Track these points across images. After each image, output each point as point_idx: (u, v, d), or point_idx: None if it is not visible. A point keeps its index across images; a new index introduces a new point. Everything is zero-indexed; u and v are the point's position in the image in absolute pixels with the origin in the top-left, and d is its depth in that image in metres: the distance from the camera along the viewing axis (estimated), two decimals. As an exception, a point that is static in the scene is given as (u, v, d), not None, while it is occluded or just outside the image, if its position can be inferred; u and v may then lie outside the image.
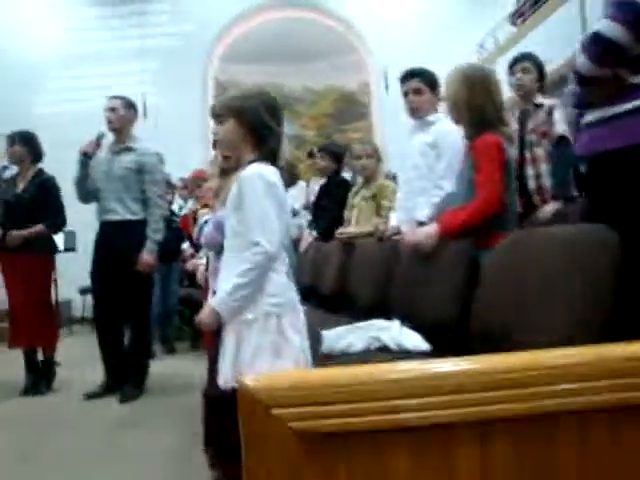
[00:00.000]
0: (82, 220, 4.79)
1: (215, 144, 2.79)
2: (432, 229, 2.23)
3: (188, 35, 7.52)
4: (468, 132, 2.21)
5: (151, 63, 7.50)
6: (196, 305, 5.36)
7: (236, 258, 1.92)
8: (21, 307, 3.89)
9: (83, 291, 6.50)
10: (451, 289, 2.03)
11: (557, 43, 5.03)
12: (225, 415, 2.39)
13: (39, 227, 3.92)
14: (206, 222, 2.42)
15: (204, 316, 1.92)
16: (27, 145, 4.03)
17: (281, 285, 1.90)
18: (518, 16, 6.64)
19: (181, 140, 6.46)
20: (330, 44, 8.44)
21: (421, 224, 2.57)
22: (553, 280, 1.56)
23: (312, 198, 4.99)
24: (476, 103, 2.13)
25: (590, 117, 1.62)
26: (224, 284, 1.91)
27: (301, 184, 5.72)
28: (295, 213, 4.24)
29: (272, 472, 0.59)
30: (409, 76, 2.92)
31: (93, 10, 7.69)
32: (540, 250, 1.69)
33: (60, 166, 4.14)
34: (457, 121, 2.25)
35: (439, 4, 7.49)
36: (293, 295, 1.95)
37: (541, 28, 5.99)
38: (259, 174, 1.86)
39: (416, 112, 2.96)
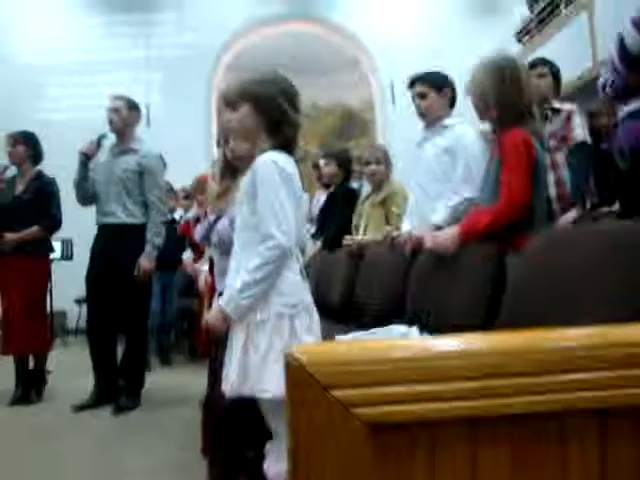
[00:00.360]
0: (80, 228, 4.68)
1: (219, 142, 2.67)
2: (454, 232, 2.10)
3: (193, 46, 7.46)
4: (495, 127, 2.07)
5: (156, 73, 7.43)
6: (194, 317, 5.25)
7: (246, 252, 1.78)
8: (15, 310, 3.74)
9: (79, 301, 6.33)
10: (476, 294, 1.89)
11: (564, 61, 4.97)
12: (227, 427, 2.25)
13: (34, 229, 3.79)
14: (216, 220, 2.28)
15: (211, 317, 1.76)
16: (28, 146, 3.93)
17: (295, 284, 1.76)
18: (525, 34, 6.61)
19: (184, 150, 6.36)
20: (335, 59, 8.41)
21: (438, 228, 2.44)
22: (592, 284, 1.42)
23: (316, 211, 4.86)
24: (507, 95, 1.98)
25: (634, 106, 1.50)
26: (233, 281, 1.77)
27: (304, 197, 5.60)
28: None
29: (328, 466, 0.45)
30: (412, 82, 2.85)
31: (99, 18, 7.63)
32: (577, 251, 1.56)
33: (60, 173, 4.03)
34: (483, 115, 2.10)
35: (445, 19, 7.46)
36: (307, 296, 1.81)
37: (548, 46, 5.94)
38: (275, 162, 1.72)
39: (425, 116, 2.87)
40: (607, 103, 2.86)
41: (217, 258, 2.37)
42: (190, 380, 4.11)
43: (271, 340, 1.70)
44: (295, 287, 1.76)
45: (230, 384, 1.72)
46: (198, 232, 2.53)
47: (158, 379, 4.33)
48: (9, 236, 3.75)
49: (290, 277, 1.74)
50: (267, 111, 1.80)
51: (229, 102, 1.90)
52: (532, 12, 6.31)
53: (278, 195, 1.69)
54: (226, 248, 2.15)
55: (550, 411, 0.46)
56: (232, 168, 2.32)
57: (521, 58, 6.11)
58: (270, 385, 1.65)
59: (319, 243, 4.24)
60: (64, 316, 6.80)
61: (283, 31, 7.63)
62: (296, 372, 0.46)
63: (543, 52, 5.89)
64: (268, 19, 7.60)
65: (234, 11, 7.43)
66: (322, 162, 4.33)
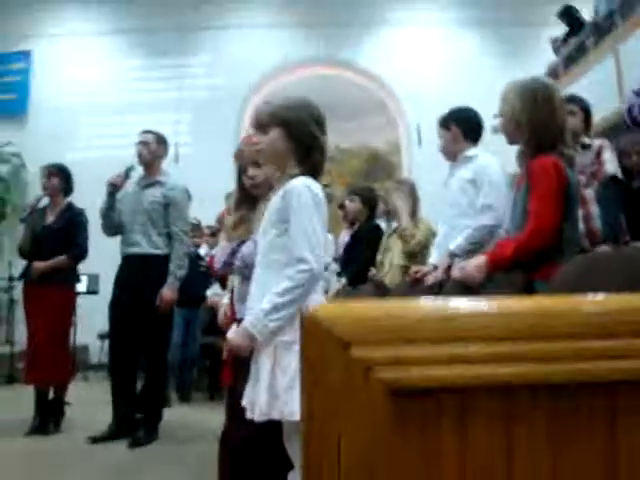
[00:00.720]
0: (106, 264, 4.70)
1: (240, 174, 2.67)
2: (481, 261, 2.05)
3: (223, 87, 7.64)
4: (525, 150, 2.03)
5: (186, 113, 7.60)
6: (217, 355, 5.18)
7: (271, 274, 1.76)
8: (40, 339, 3.74)
9: (102, 336, 6.33)
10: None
11: (591, 102, 4.96)
12: (244, 458, 2.18)
13: (61, 258, 3.83)
14: (239, 245, 2.27)
15: (236, 338, 1.72)
16: (62, 178, 4.03)
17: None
18: (552, 75, 6.63)
19: (211, 189, 6.41)
20: (361, 102, 8.51)
21: (453, 255, 2.44)
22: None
23: (341, 250, 4.83)
24: (539, 116, 1.93)
25: None
26: (256, 303, 1.75)
27: (329, 237, 5.59)
28: (325, 267, 4.07)
29: (346, 434, 0.41)
30: (440, 124, 2.93)
31: (132, 62, 7.89)
32: (608, 277, 1.50)
33: (90, 210, 4.06)
34: (512, 138, 2.07)
35: (471, 61, 7.53)
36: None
37: (575, 86, 5.93)
38: (308, 187, 1.73)
39: (444, 155, 2.92)
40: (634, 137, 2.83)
41: (237, 284, 2.34)
42: (209, 416, 4.05)
43: (299, 362, 1.65)
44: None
45: (259, 408, 1.67)
46: (218, 259, 2.51)
47: (176, 414, 4.27)
48: (37, 264, 3.80)
49: (316, 298, 1.72)
50: (298, 136, 1.82)
51: (260, 125, 1.91)
52: (557, 56, 6.34)
53: (312, 220, 1.69)
54: (249, 272, 2.13)
55: (598, 381, 0.42)
56: (250, 197, 2.33)
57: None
58: (298, 407, 1.61)
59: (344, 280, 4.20)
60: (87, 350, 6.79)
61: (311, 74, 7.77)
62: (312, 328, 0.42)
63: (571, 92, 5.91)
64: (297, 62, 7.77)
65: (263, 54, 7.62)
66: (347, 200, 4.32)
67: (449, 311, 0.42)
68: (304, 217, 1.69)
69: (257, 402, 1.69)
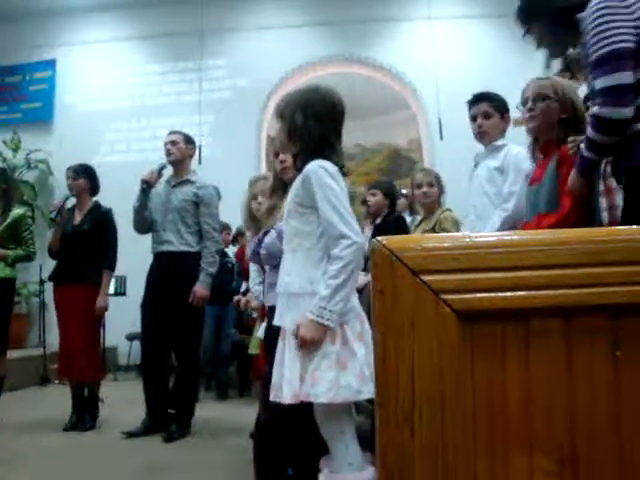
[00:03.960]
0: (133, 266, 4.79)
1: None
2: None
3: (243, 89, 7.71)
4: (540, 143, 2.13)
5: (208, 115, 7.69)
6: (245, 352, 5.21)
7: (296, 258, 1.80)
8: (72, 336, 3.82)
9: (130, 338, 6.42)
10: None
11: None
12: (277, 446, 2.20)
13: (105, 274, 3.91)
14: (265, 233, 2.31)
15: (307, 332, 1.67)
16: (88, 178, 4.08)
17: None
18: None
19: (234, 189, 6.47)
20: (381, 99, 8.52)
21: None
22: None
23: (366, 244, 4.83)
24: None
25: None
26: (283, 288, 1.80)
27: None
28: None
29: (417, 355, 0.44)
30: (479, 99, 2.83)
31: (153, 66, 8.00)
32: None
33: (116, 211, 4.13)
34: (543, 134, 2.14)
35: (492, 54, 7.47)
36: (356, 302, 1.81)
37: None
38: (322, 165, 1.77)
39: (483, 137, 2.86)
40: None
41: (267, 271, 2.38)
42: (241, 412, 4.11)
43: (325, 346, 1.69)
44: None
45: (285, 391, 1.71)
46: (248, 249, 2.57)
47: (208, 410, 4.33)
48: None
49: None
50: (289, 127, 1.89)
51: (281, 114, 1.96)
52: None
53: (336, 196, 1.73)
54: (274, 261, 2.17)
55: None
56: (284, 185, 2.37)
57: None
58: (323, 390, 1.65)
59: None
60: (115, 352, 6.89)
61: (331, 72, 7.79)
62: (383, 258, 0.45)
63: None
64: (316, 61, 7.80)
65: (283, 54, 7.66)
66: (369, 194, 4.33)
67: (511, 242, 0.44)
68: (331, 197, 1.73)
69: (283, 385, 1.73)
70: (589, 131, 1.65)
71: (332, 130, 1.90)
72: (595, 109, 1.60)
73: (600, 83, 1.60)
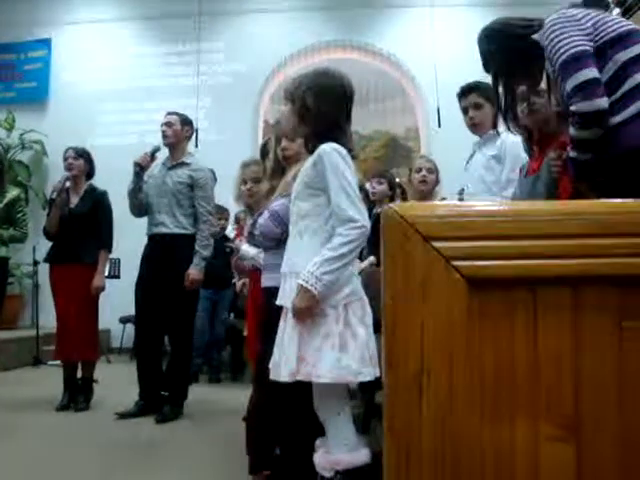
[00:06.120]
0: (127, 249, 4.77)
1: (263, 148, 2.75)
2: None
3: (240, 73, 7.66)
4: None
5: (205, 99, 7.64)
6: (238, 336, 5.23)
7: (302, 240, 1.80)
8: (69, 317, 3.82)
9: (123, 320, 6.42)
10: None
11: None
12: (270, 424, 2.22)
13: (102, 254, 3.92)
14: (261, 214, 2.31)
15: (296, 300, 1.70)
16: (87, 161, 4.08)
17: (348, 274, 1.77)
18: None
19: (230, 173, 6.46)
20: (379, 87, 8.49)
21: None
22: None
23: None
24: None
25: None
26: (288, 267, 1.80)
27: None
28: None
29: (426, 320, 0.44)
30: (467, 91, 2.83)
31: (151, 48, 7.92)
32: None
33: (112, 193, 4.11)
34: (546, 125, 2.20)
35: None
36: (358, 284, 1.81)
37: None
38: (335, 148, 1.78)
39: (477, 128, 2.86)
40: None
41: (264, 255, 2.39)
42: (233, 395, 4.12)
43: (327, 327, 1.70)
44: (348, 277, 1.76)
45: (285, 370, 1.72)
46: (247, 229, 2.58)
47: (201, 392, 4.34)
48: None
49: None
50: (299, 109, 1.90)
51: (291, 97, 1.95)
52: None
53: (348, 180, 1.74)
54: (268, 242, 2.18)
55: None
56: (283, 169, 2.38)
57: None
58: (325, 371, 1.66)
59: (372, 258, 4.22)
60: (108, 334, 6.90)
61: (329, 59, 7.75)
62: (395, 224, 0.45)
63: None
64: (314, 47, 7.75)
65: (281, 39, 7.61)
66: (374, 181, 4.35)
67: (521, 210, 0.45)
68: (342, 179, 1.74)
69: (283, 364, 1.74)
70: (571, 130, 1.70)
71: (342, 113, 1.91)
72: (572, 107, 1.67)
73: (570, 84, 1.68)
